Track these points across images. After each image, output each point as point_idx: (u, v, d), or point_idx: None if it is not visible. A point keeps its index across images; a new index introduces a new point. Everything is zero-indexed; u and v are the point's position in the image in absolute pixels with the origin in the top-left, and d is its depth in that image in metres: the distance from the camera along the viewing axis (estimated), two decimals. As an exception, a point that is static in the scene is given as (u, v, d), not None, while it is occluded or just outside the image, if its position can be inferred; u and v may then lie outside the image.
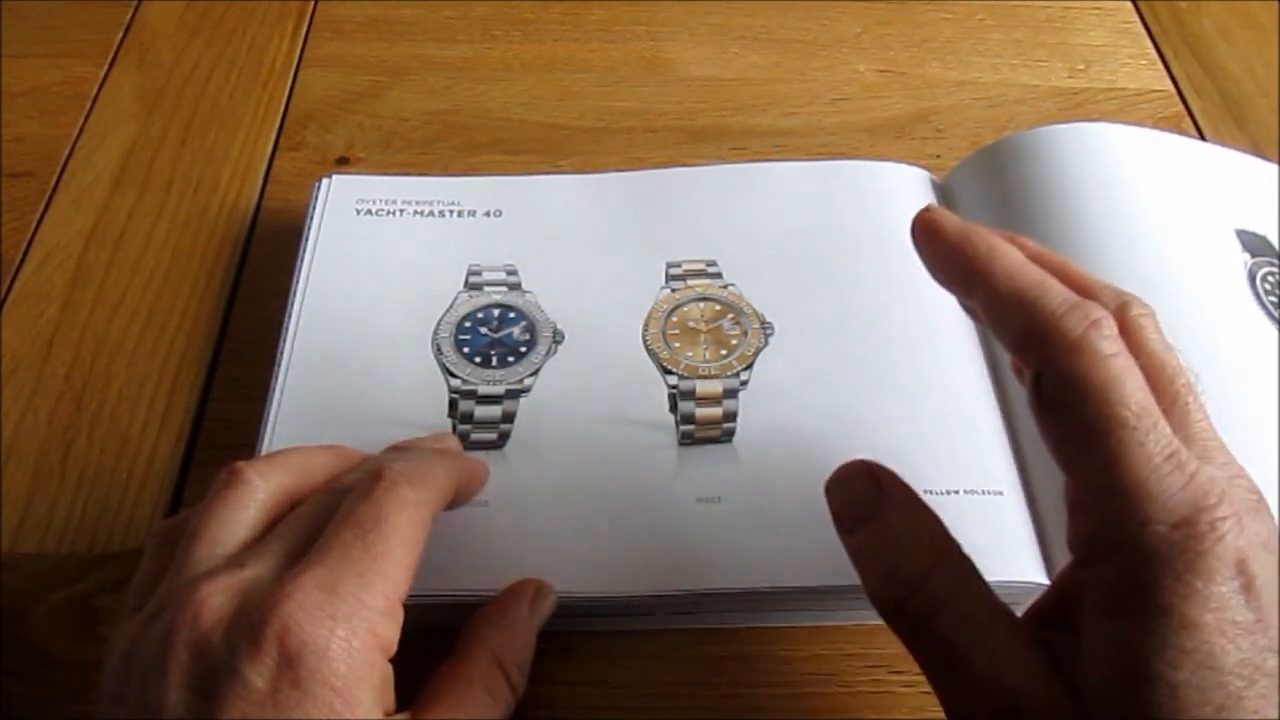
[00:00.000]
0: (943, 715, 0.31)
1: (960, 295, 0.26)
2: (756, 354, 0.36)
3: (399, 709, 0.25)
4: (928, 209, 0.27)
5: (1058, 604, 0.25)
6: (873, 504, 0.26)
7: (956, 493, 0.32)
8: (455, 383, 0.35)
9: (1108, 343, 0.23)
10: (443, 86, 0.49)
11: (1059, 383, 0.23)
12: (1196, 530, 0.21)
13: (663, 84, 0.49)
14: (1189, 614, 0.21)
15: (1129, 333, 0.24)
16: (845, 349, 0.36)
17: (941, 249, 0.26)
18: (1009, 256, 0.25)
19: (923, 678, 0.31)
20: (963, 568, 0.25)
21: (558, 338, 0.37)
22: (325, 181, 0.41)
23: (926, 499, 0.32)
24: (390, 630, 0.25)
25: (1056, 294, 0.24)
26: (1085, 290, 0.25)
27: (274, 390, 0.35)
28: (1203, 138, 0.48)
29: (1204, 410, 0.24)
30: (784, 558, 0.31)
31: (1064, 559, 0.32)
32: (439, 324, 0.37)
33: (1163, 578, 0.21)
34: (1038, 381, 0.23)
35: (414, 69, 0.50)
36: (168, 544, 0.27)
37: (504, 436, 0.34)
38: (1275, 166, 0.42)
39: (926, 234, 0.26)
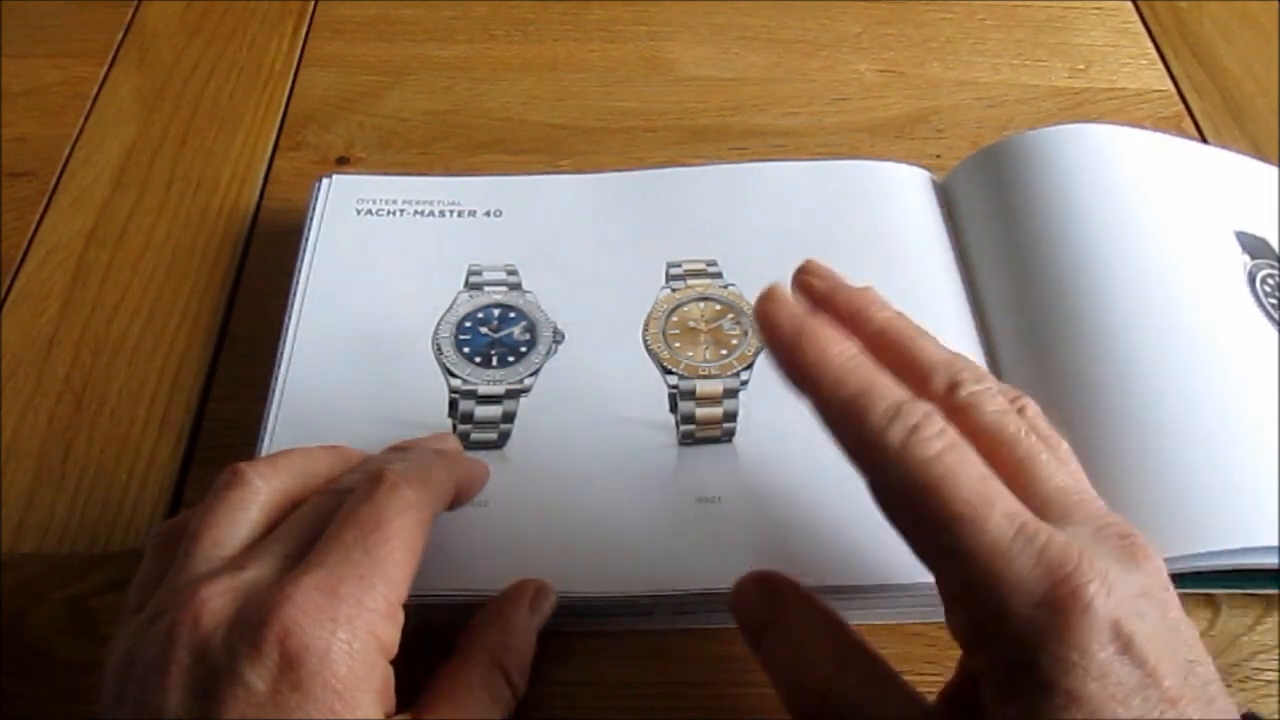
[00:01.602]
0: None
1: (797, 395, 0.26)
2: (757, 354, 0.36)
3: (400, 710, 0.25)
4: (768, 297, 0.26)
5: (961, 690, 0.25)
6: (772, 612, 0.26)
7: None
8: (455, 383, 0.35)
9: (929, 444, 0.23)
10: (443, 86, 0.49)
11: (890, 491, 0.23)
12: (1060, 605, 0.21)
13: (663, 84, 0.49)
14: (1073, 688, 0.21)
15: (962, 413, 0.25)
16: (845, 349, 0.36)
17: (777, 346, 0.25)
18: (836, 361, 0.25)
19: (923, 678, 0.32)
20: (870, 666, 0.25)
21: (558, 338, 0.37)
22: (325, 181, 0.41)
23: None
24: (391, 632, 0.25)
25: (879, 404, 0.24)
26: (920, 372, 0.25)
27: (274, 390, 0.35)
28: (1203, 138, 0.48)
29: (1059, 462, 0.24)
30: (784, 558, 0.31)
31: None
32: (439, 324, 0.37)
33: (1040, 658, 0.21)
34: (873, 489, 0.24)
35: (414, 69, 0.50)
36: (168, 545, 0.27)
37: (504, 436, 0.34)
38: (1275, 169, 0.42)
39: (762, 325, 0.26)
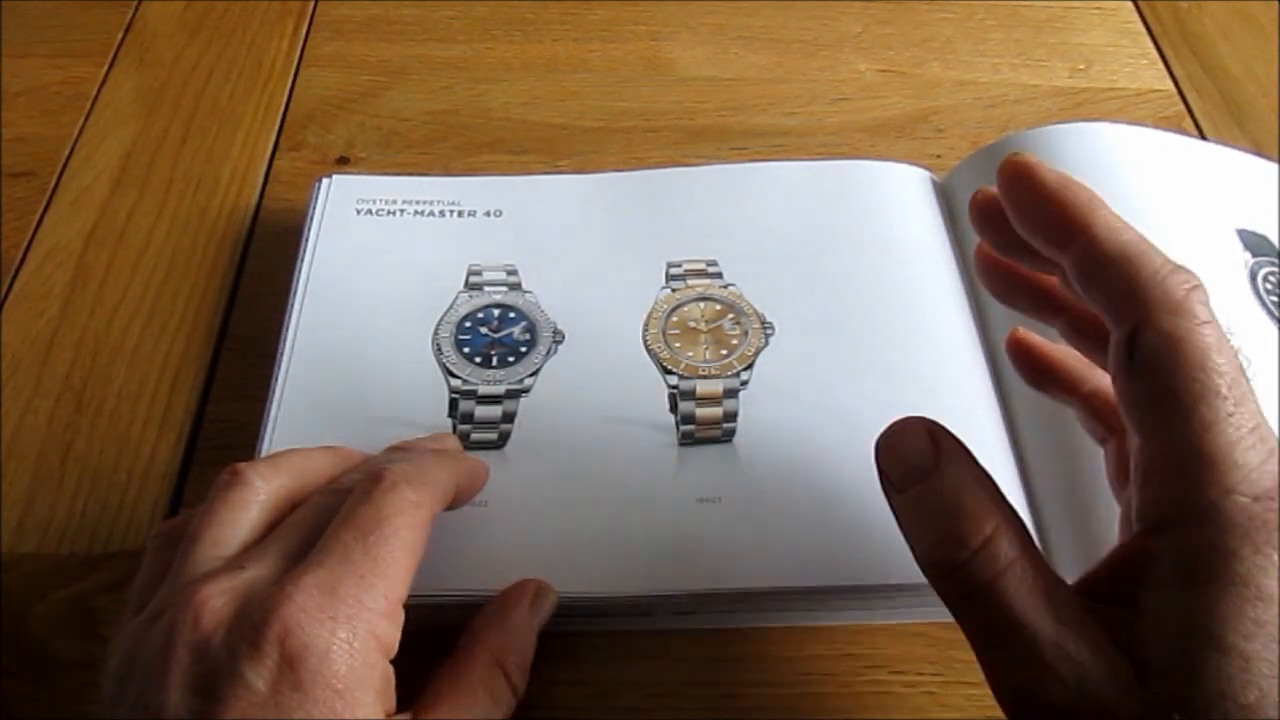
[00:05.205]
0: (939, 716, 0.31)
1: (1047, 246, 0.25)
2: (757, 354, 0.36)
3: (400, 709, 0.25)
4: (1021, 155, 0.25)
5: (1107, 579, 0.24)
6: (929, 462, 0.24)
7: (957, 493, 0.32)
8: (455, 383, 0.35)
9: (1204, 309, 0.22)
10: (443, 86, 0.49)
11: (1158, 344, 0.22)
12: (1276, 503, 0.21)
13: (663, 84, 0.49)
14: (1265, 586, 0.21)
15: None
16: (846, 349, 0.36)
17: (1038, 196, 0.25)
18: (1108, 210, 0.24)
19: (923, 678, 0.32)
20: (1024, 531, 0.23)
21: (558, 338, 0.37)
22: (325, 181, 0.41)
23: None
24: (391, 631, 0.25)
25: (1158, 254, 0.23)
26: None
27: (274, 390, 0.35)
28: (1203, 138, 0.48)
29: (1252, 386, 0.24)
30: (784, 558, 0.31)
31: (1065, 559, 0.32)
32: (439, 324, 0.37)
33: (1242, 548, 0.21)
34: (1131, 340, 0.23)
35: (414, 69, 0.50)
36: (169, 545, 0.27)
37: (504, 436, 0.34)
38: (1275, 166, 0.42)
39: (1019, 178, 0.25)
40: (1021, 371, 0.31)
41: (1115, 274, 0.23)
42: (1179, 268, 0.23)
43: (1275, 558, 0.21)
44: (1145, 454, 0.23)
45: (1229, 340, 0.23)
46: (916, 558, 0.24)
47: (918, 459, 0.24)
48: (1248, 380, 0.23)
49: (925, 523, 0.24)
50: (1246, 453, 0.21)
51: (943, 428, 0.25)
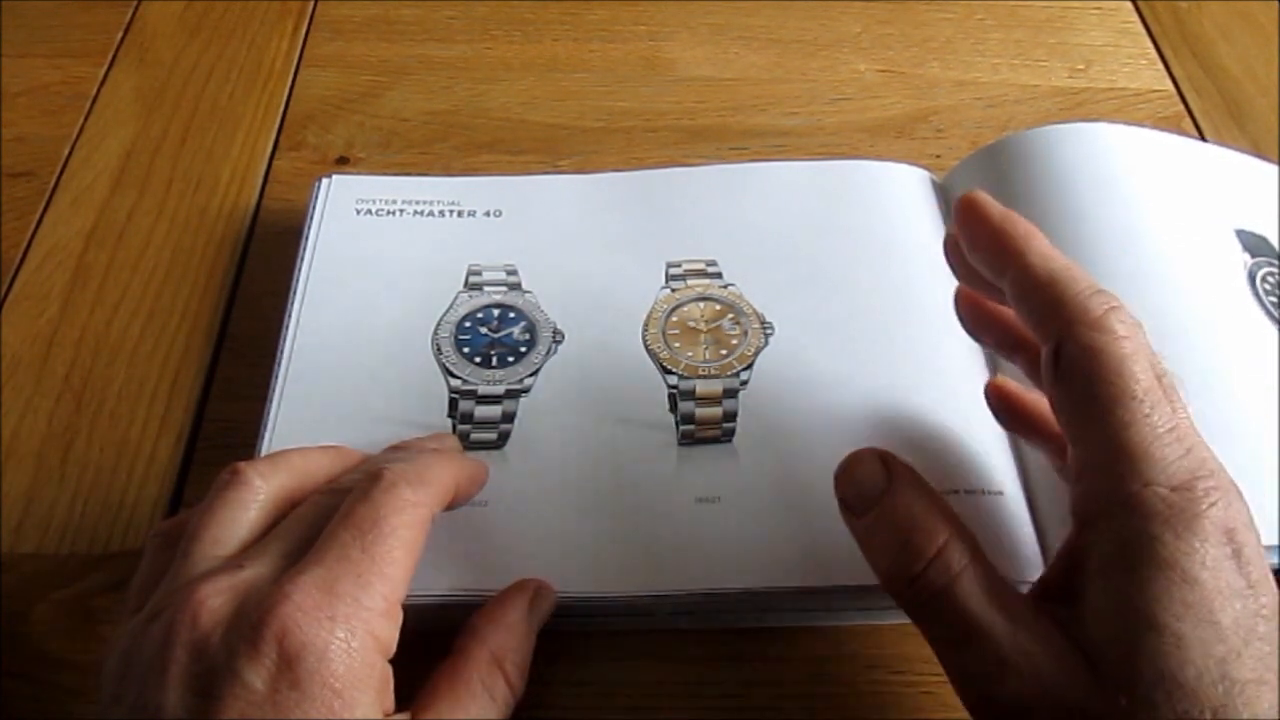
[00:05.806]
0: (939, 716, 0.31)
1: (991, 272, 0.28)
2: (756, 354, 0.36)
3: (398, 709, 0.25)
4: (973, 193, 0.28)
5: (1056, 579, 0.26)
6: (883, 484, 0.27)
7: (957, 493, 0.32)
8: (455, 383, 0.35)
9: (1123, 326, 0.25)
10: (443, 86, 0.49)
11: (1079, 354, 0.25)
12: (1194, 494, 0.23)
13: (663, 84, 0.49)
14: (1190, 570, 0.22)
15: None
16: (845, 349, 0.36)
17: (984, 227, 0.28)
18: (1042, 240, 0.27)
19: (923, 678, 0.32)
20: (973, 541, 0.26)
21: (558, 338, 0.37)
22: (325, 181, 0.41)
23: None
24: (389, 631, 0.25)
25: (1083, 278, 0.26)
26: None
27: (274, 390, 0.35)
28: (1203, 138, 0.48)
29: (1185, 406, 0.26)
30: (784, 558, 0.31)
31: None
32: (439, 324, 0.37)
33: (1165, 534, 0.23)
34: (1057, 352, 0.25)
35: (414, 69, 0.50)
36: (168, 544, 0.27)
37: (504, 436, 0.34)
38: (1275, 167, 0.42)
39: (970, 213, 0.28)
40: (997, 417, 0.33)
41: (1044, 295, 0.26)
42: (1101, 290, 0.26)
43: (1195, 544, 0.23)
44: (1076, 456, 0.25)
45: (1152, 354, 0.25)
46: (879, 578, 0.26)
47: (872, 482, 0.27)
48: (1173, 391, 0.25)
49: (883, 540, 0.26)
50: (1164, 449, 0.24)
51: (893, 455, 0.27)
